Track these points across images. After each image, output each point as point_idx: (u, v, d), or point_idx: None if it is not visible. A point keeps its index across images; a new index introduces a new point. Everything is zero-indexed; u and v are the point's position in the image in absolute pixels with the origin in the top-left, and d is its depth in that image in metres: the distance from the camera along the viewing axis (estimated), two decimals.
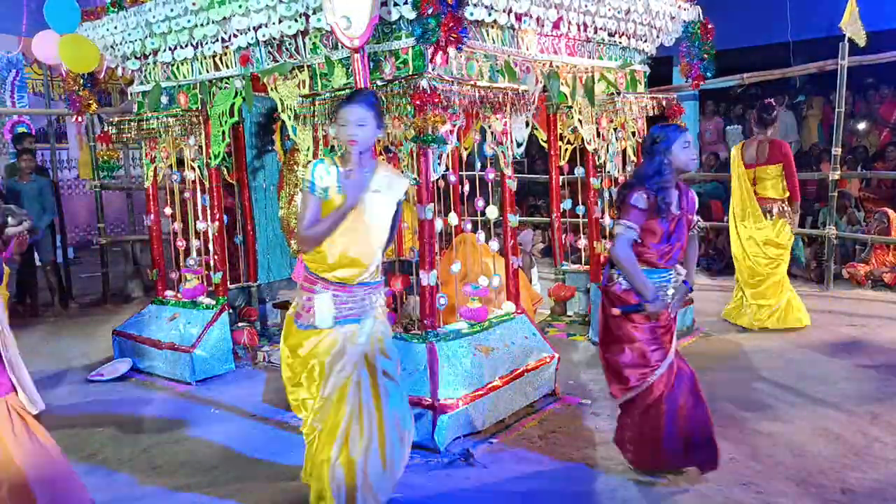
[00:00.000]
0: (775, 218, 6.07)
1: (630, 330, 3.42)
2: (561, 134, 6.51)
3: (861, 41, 7.08)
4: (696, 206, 3.55)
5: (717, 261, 8.75)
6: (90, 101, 6.20)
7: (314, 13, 4.34)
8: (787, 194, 6.06)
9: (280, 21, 4.55)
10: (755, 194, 6.11)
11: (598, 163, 5.89)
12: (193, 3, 4.91)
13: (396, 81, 4.05)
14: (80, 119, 6.81)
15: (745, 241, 6.17)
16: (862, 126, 10.36)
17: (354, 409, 3.06)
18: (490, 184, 4.92)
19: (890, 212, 7.65)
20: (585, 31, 5.28)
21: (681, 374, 3.44)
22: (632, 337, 3.42)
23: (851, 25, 7.04)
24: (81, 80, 6.07)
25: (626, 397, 3.46)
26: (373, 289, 3.15)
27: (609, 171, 5.84)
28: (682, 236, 3.44)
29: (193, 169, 5.61)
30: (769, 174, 6.03)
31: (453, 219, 4.60)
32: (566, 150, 6.55)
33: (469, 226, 4.95)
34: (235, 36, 4.88)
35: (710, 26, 6.05)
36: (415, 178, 4.15)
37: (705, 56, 6.05)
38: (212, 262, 5.64)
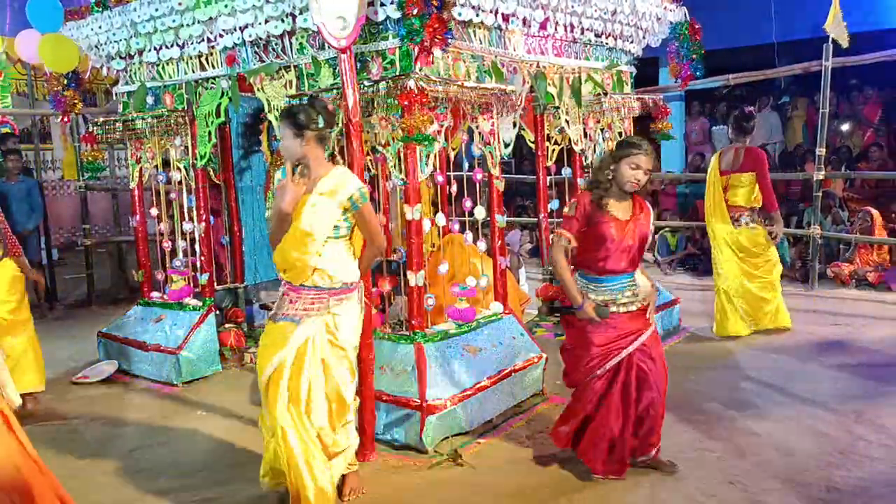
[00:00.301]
0: (743, 226, 5.89)
1: (578, 329, 3.54)
2: (548, 134, 6.53)
3: (844, 43, 7.14)
4: (651, 218, 3.59)
5: (703, 261, 8.80)
6: (76, 101, 6.16)
7: (301, 13, 4.32)
8: (758, 204, 5.87)
9: (266, 21, 4.53)
10: (725, 201, 5.94)
11: (585, 163, 5.91)
12: (179, 3, 4.88)
13: (383, 82, 4.04)
14: (66, 119, 6.76)
15: (733, 244, 5.95)
16: (845, 127, 10.45)
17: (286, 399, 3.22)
18: (478, 184, 4.92)
19: (873, 211, 7.72)
20: (572, 31, 5.30)
21: (640, 379, 3.50)
22: (579, 335, 3.54)
23: (835, 27, 7.10)
24: (65, 80, 6.03)
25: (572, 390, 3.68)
26: (330, 294, 3.24)
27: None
28: (629, 243, 3.47)
29: (179, 170, 5.58)
30: (742, 182, 5.86)
31: (441, 219, 4.60)
32: (553, 150, 6.56)
33: (457, 226, 4.95)
34: (221, 36, 4.86)
35: (697, 26, 6.09)
36: (402, 179, 4.15)
37: (694, 56, 6.09)
38: (198, 264, 5.61)
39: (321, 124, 3.26)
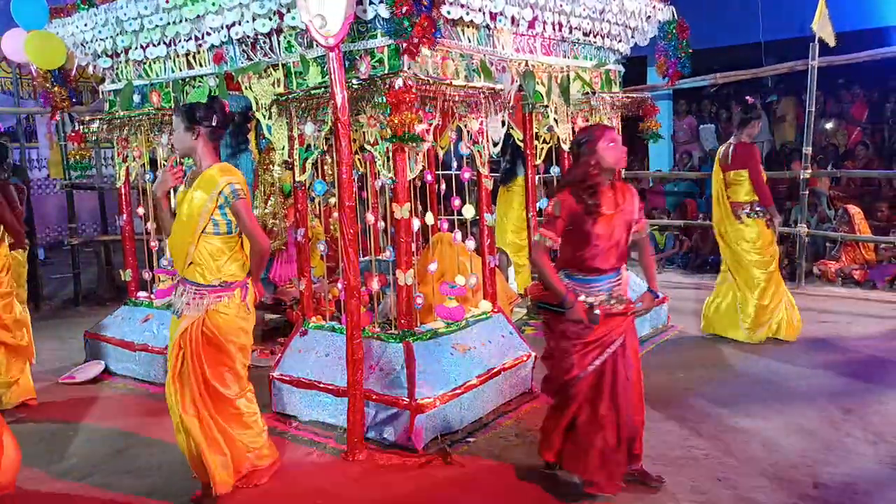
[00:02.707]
0: (744, 221, 5.73)
1: (560, 329, 3.39)
2: (537, 133, 6.53)
3: (831, 42, 7.18)
4: (638, 205, 3.41)
5: (693, 258, 8.85)
6: (64, 98, 6.11)
7: (288, 11, 4.30)
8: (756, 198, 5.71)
9: (254, 19, 4.51)
10: (727, 198, 5.79)
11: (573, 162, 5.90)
12: (166, 1, 4.85)
13: (372, 80, 4.03)
14: (54, 116, 6.70)
15: (734, 243, 5.79)
16: (831, 125, 10.52)
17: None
18: (466, 183, 4.92)
19: (851, 208, 7.78)
20: (561, 30, 5.30)
21: (615, 384, 3.34)
22: (560, 336, 3.39)
23: (822, 26, 7.14)
24: (51, 77, 5.97)
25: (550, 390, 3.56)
26: (210, 291, 3.39)
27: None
28: (618, 237, 3.32)
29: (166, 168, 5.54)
30: (737, 179, 5.71)
31: (430, 218, 4.60)
32: (542, 149, 6.57)
33: (446, 225, 4.95)
34: (208, 34, 4.83)
35: (685, 25, 6.11)
36: (391, 178, 4.15)
37: (682, 55, 6.10)
38: None
39: (214, 122, 3.46)
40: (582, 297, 3.32)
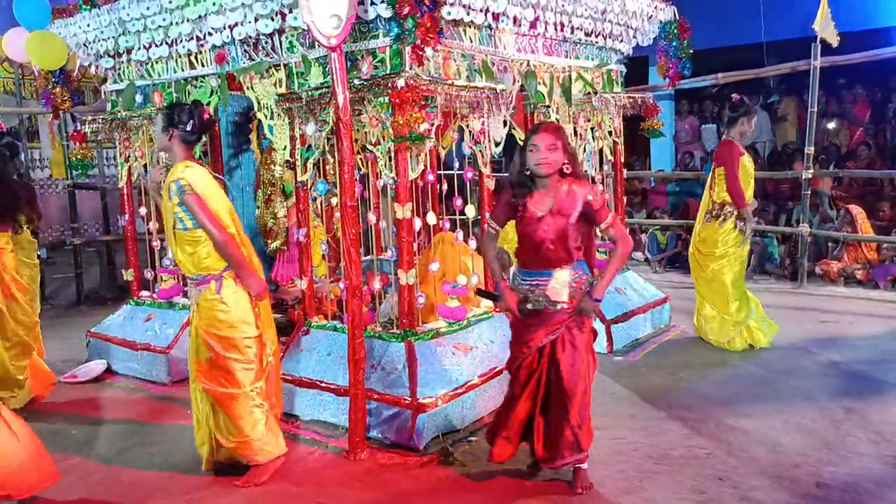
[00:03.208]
0: (716, 221, 5.49)
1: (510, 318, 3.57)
2: None
3: (833, 42, 7.18)
4: (594, 204, 3.29)
5: None
6: (65, 98, 6.12)
7: (290, 11, 4.31)
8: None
9: (256, 19, 4.52)
10: (710, 196, 5.60)
11: None
12: (169, 1, 4.86)
13: (374, 80, 4.04)
14: (55, 117, 6.72)
15: (696, 242, 5.69)
16: (833, 125, 10.52)
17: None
18: (468, 183, 4.93)
19: (853, 208, 7.78)
20: (562, 30, 5.31)
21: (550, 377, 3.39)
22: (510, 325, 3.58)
23: (824, 26, 7.14)
24: (53, 78, 5.99)
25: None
26: (194, 283, 3.65)
27: (586, 171, 5.86)
28: (543, 238, 3.30)
29: (168, 168, 5.55)
30: (719, 176, 5.49)
31: (431, 218, 4.60)
32: None
33: (447, 225, 4.95)
34: (210, 34, 4.84)
35: (687, 26, 6.11)
36: (393, 178, 4.15)
37: (682, 55, 6.10)
38: None
39: (189, 127, 3.63)
40: (522, 288, 3.43)
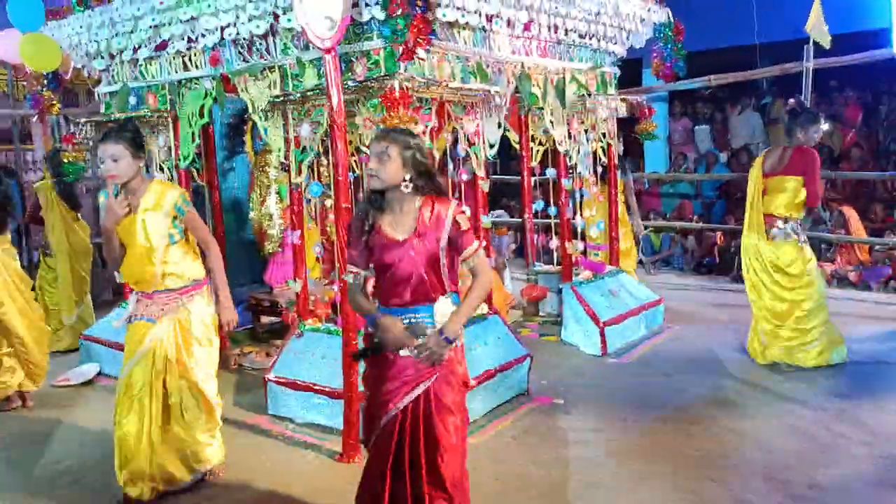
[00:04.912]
0: (779, 240, 5.04)
1: (367, 378, 2.86)
2: (532, 135, 6.55)
3: (825, 44, 7.21)
4: (462, 226, 2.67)
5: (689, 260, 8.87)
6: (53, 101, 6.10)
7: (284, 13, 4.31)
8: (799, 213, 5.05)
9: (250, 21, 4.51)
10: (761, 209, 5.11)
11: (569, 164, 5.93)
12: (160, 2, 4.85)
13: (368, 82, 4.04)
14: (43, 119, 6.69)
15: (754, 259, 5.16)
16: (826, 127, 10.53)
17: (146, 390, 3.50)
18: (462, 185, 4.93)
19: (845, 210, 7.81)
20: (556, 32, 5.32)
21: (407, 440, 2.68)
22: (367, 382, 2.86)
23: (816, 28, 7.17)
24: (45, 80, 5.96)
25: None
26: (181, 293, 3.56)
27: (580, 172, 5.88)
28: (412, 267, 2.64)
29: (163, 170, 5.54)
30: (785, 186, 5.01)
31: None
32: (538, 151, 6.58)
33: None
34: (203, 36, 4.83)
35: (680, 27, 6.13)
36: None
37: (676, 57, 6.12)
38: None
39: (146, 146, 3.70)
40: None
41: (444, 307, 2.70)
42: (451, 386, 2.75)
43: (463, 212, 2.73)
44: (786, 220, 5.05)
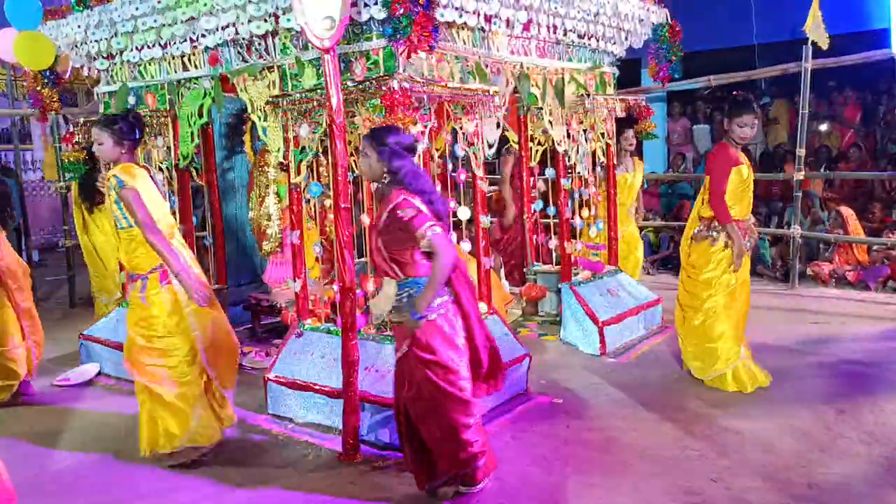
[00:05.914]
0: (696, 242, 4.72)
1: None
2: (531, 135, 6.55)
3: (824, 44, 7.21)
4: (403, 215, 3.09)
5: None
6: (53, 100, 6.10)
7: (283, 13, 4.31)
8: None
9: (249, 21, 4.52)
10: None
11: (568, 164, 5.93)
12: (159, 2, 4.85)
13: (367, 82, 4.04)
14: (44, 118, 6.69)
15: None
16: (824, 127, 10.57)
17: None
18: (461, 185, 4.93)
19: (844, 210, 7.82)
20: (555, 32, 5.32)
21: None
22: None
23: (815, 29, 7.18)
24: (43, 79, 5.97)
25: None
26: (129, 280, 4.00)
27: (579, 172, 5.89)
28: (372, 249, 3.29)
29: (162, 170, 5.54)
30: (705, 188, 4.69)
31: None
32: (537, 151, 6.59)
33: None
34: (203, 36, 4.83)
35: (678, 28, 6.14)
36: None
37: (673, 58, 6.13)
38: None
39: (136, 136, 3.93)
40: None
41: (387, 289, 3.23)
42: (411, 364, 3.27)
43: (406, 202, 3.11)
44: (710, 222, 4.63)
